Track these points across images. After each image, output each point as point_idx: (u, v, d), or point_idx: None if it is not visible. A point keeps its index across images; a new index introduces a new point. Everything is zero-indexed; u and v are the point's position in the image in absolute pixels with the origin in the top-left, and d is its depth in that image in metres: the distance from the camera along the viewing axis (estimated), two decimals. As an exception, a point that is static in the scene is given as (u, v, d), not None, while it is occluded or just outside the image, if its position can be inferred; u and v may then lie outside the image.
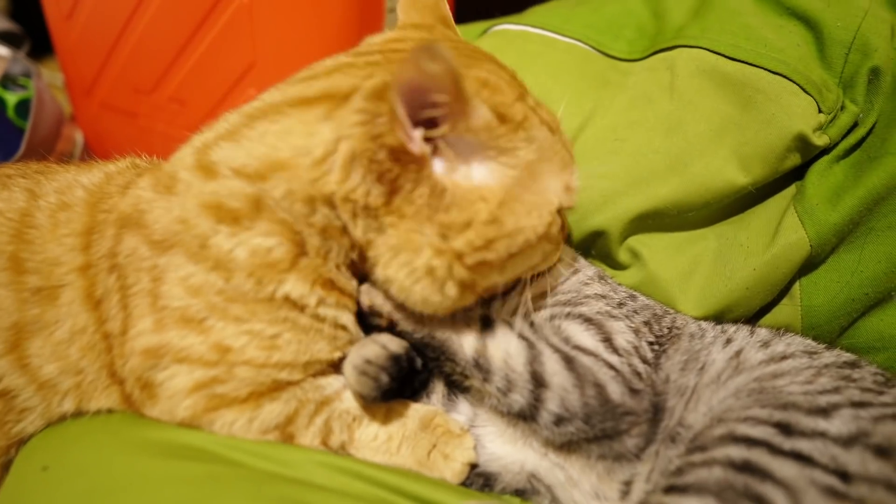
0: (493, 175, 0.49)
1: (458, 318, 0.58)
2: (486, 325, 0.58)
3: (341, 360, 0.58)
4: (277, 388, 0.54)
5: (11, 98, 1.22)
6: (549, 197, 0.52)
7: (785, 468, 0.43)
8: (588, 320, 0.59)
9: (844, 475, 0.42)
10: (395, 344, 0.58)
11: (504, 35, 0.86)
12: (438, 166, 0.48)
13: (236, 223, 0.50)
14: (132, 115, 1.16)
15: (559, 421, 0.53)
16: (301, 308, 0.52)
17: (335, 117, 0.49)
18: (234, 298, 0.51)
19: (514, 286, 0.60)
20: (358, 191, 0.48)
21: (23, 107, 1.22)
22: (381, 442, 0.57)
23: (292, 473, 0.52)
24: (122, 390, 0.54)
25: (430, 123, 0.46)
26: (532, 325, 0.59)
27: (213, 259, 0.50)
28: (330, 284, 0.53)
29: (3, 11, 1.60)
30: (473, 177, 0.48)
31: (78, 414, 0.56)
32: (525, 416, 0.55)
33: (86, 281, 0.54)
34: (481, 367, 0.55)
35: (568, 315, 0.60)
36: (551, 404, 0.53)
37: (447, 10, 0.64)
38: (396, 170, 0.47)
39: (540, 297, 0.62)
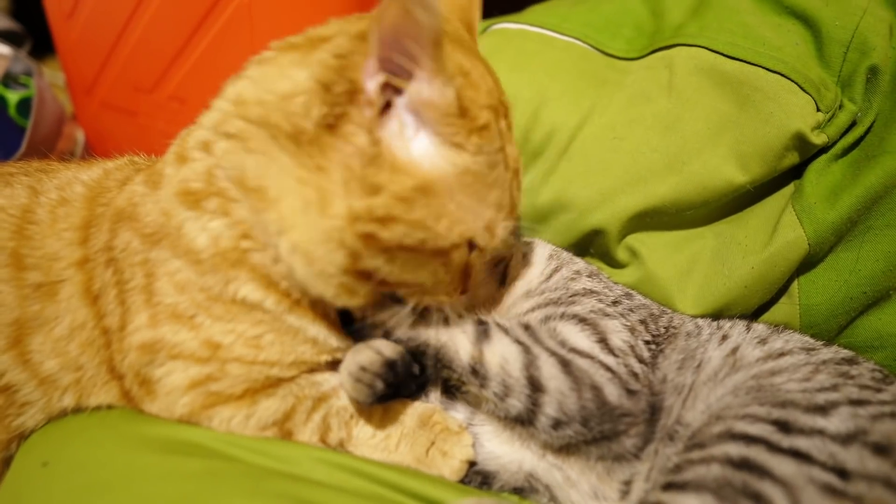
0: (430, 159, 0.46)
1: (452, 324, 0.58)
2: (482, 330, 0.57)
3: (332, 362, 0.57)
4: (272, 384, 0.54)
5: (13, 97, 1.22)
6: (468, 220, 0.48)
7: (783, 466, 0.43)
8: (582, 320, 0.59)
9: (843, 473, 0.42)
10: (390, 349, 0.57)
11: (503, 34, 0.86)
12: (386, 123, 0.46)
13: (197, 206, 0.50)
14: (133, 114, 1.16)
15: (557, 425, 0.53)
16: (267, 312, 0.52)
17: (311, 55, 0.47)
18: (214, 298, 0.51)
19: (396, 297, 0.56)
20: (304, 117, 0.46)
21: (24, 105, 1.22)
22: (380, 439, 0.57)
23: (291, 469, 0.52)
24: (121, 386, 0.55)
25: (397, 77, 0.44)
26: (527, 328, 0.59)
27: (186, 250, 0.51)
28: (277, 288, 0.52)
29: (4, 11, 1.60)
30: (411, 150, 0.46)
31: (78, 409, 0.56)
32: (523, 421, 0.55)
33: (84, 275, 0.54)
34: (478, 373, 0.55)
35: (562, 316, 0.60)
36: (549, 408, 0.53)
37: (474, 16, 0.60)
38: (345, 107, 0.45)
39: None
